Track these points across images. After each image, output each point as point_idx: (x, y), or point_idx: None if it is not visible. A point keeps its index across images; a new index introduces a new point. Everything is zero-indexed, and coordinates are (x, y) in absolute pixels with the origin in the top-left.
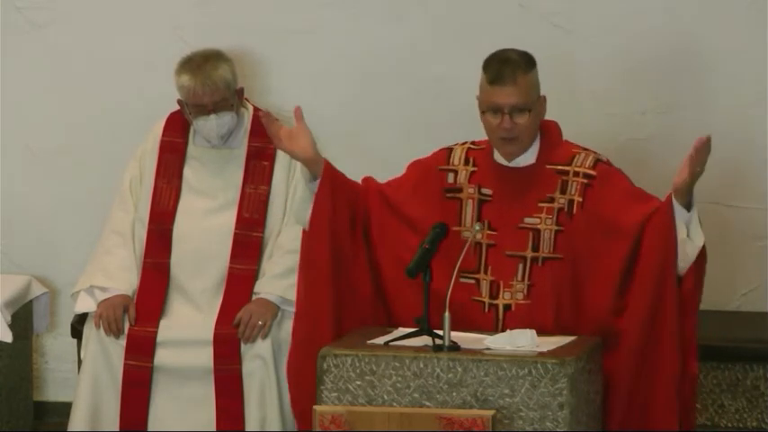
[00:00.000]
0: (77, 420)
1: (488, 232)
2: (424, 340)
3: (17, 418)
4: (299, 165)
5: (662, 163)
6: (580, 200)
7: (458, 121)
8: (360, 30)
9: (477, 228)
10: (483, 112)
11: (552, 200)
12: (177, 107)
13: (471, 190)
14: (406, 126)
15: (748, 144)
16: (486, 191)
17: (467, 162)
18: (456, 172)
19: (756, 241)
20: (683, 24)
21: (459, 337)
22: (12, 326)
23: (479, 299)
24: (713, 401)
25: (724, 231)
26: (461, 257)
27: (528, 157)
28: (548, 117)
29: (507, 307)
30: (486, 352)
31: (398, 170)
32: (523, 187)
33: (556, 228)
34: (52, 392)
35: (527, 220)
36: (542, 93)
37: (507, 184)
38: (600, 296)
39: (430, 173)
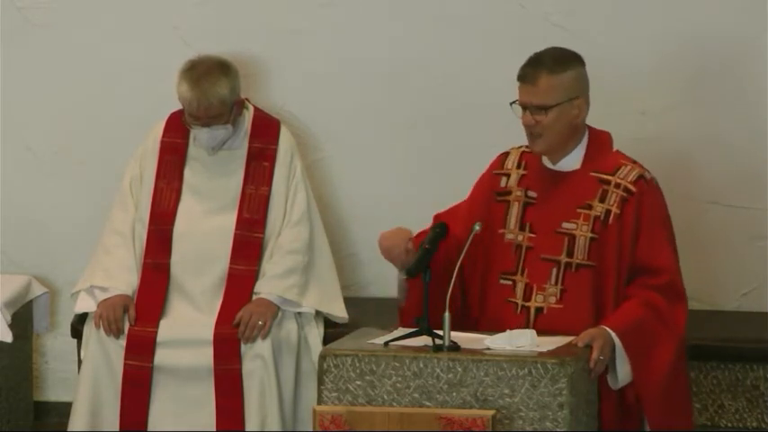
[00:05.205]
0: (77, 420)
1: (528, 235)
2: (424, 340)
3: (17, 418)
4: (299, 166)
5: (662, 163)
6: (617, 212)
7: (458, 120)
8: (360, 30)
9: (477, 227)
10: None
11: (590, 207)
12: (177, 107)
13: (519, 193)
14: (406, 126)
15: (748, 144)
16: (531, 194)
17: (519, 166)
18: (509, 175)
19: (756, 241)
20: (683, 24)
21: (459, 337)
22: (12, 326)
23: (513, 300)
24: (713, 401)
25: (724, 231)
26: (463, 254)
27: (572, 162)
28: None
29: (539, 310)
30: (486, 352)
31: (397, 170)
32: (565, 192)
33: (591, 235)
34: (52, 392)
35: (564, 224)
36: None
37: (551, 188)
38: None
39: (485, 181)
